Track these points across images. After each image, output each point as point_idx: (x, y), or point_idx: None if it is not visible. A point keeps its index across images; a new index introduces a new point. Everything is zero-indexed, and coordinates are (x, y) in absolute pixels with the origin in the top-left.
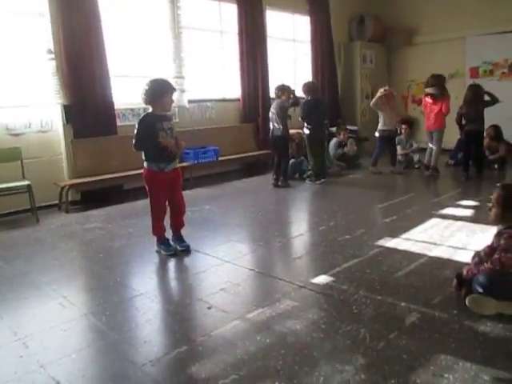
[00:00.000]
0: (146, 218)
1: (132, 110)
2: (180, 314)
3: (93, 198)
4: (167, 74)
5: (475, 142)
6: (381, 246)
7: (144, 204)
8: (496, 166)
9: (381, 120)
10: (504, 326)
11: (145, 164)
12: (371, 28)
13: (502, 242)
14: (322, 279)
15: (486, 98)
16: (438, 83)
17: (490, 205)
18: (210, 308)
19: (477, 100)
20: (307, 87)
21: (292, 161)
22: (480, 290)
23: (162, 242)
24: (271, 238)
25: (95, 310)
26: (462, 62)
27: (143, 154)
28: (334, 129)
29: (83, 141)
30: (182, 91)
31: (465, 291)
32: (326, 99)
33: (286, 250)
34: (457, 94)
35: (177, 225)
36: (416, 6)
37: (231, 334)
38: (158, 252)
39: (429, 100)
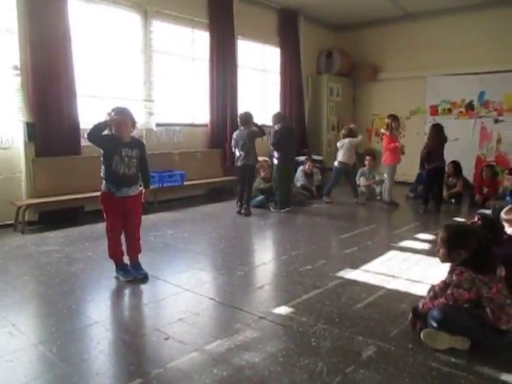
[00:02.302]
0: (106, 241)
1: None
2: (136, 344)
3: (51, 219)
4: (137, 96)
5: (439, 177)
6: (341, 278)
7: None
8: (453, 201)
9: (340, 153)
10: (456, 361)
11: (102, 183)
12: (339, 62)
13: (454, 278)
14: (283, 310)
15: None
16: (388, 123)
17: (438, 245)
18: (167, 339)
19: (441, 138)
20: (278, 115)
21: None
22: (434, 324)
23: (121, 267)
24: (233, 266)
25: (46, 339)
26: (422, 99)
27: (101, 171)
28: (301, 158)
29: (45, 159)
30: (151, 114)
31: (420, 325)
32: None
33: (247, 279)
34: (418, 129)
35: (132, 251)
36: (381, 44)
37: (188, 367)
38: (116, 278)
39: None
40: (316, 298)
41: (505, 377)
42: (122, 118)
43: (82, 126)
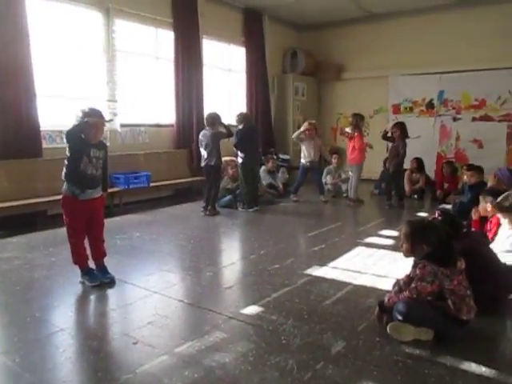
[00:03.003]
0: (69, 247)
1: (60, 131)
2: (104, 350)
3: (12, 224)
4: (100, 96)
5: (399, 174)
6: (309, 275)
7: None
8: (416, 197)
9: (302, 152)
10: (420, 352)
11: (63, 186)
12: (303, 62)
13: (418, 271)
14: (252, 310)
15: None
16: (352, 122)
17: (401, 241)
18: (135, 343)
19: (403, 136)
20: (240, 116)
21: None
22: (399, 317)
23: (86, 272)
24: (202, 267)
25: (8, 348)
26: (385, 98)
27: (63, 174)
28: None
29: (4, 162)
30: (115, 115)
31: (386, 319)
32: (260, 129)
33: (216, 279)
34: (381, 128)
35: (97, 255)
36: (344, 44)
37: (158, 370)
38: (81, 283)
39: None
40: (285, 296)
41: (466, 365)
42: (101, 122)
43: (42, 128)
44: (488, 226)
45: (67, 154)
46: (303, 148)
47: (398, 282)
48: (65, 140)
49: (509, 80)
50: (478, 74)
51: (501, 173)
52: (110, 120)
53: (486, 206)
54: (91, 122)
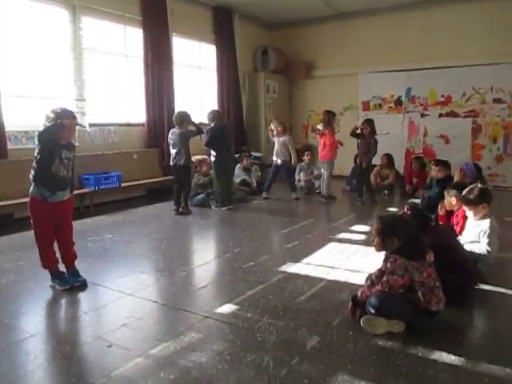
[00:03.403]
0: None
1: (26, 132)
2: (77, 355)
3: None
4: (67, 95)
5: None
6: (284, 272)
7: None
8: (386, 192)
9: (275, 150)
10: (393, 344)
11: (30, 190)
12: (274, 60)
13: (389, 265)
14: (227, 308)
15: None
16: (323, 119)
17: (373, 236)
18: (110, 346)
19: (373, 133)
20: (212, 114)
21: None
22: (372, 311)
23: (57, 275)
24: (176, 267)
25: None
26: (355, 96)
27: (31, 176)
28: (237, 155)
29: None
30: (83, 114)
31: (359, 313)
32: (232, 127)
33: (190, 279)
34: (351, 125)
35: (68, 258)
36: (315, 42)
37: (133, 373)
38: (52, 287)
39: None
40: (260, 293)
41: (436, 355)
42: (74, 123)
43: (7, 129)
44: (454, 220)
45: (36, 155)
46: (275, 146)
47: (370, 276)
48: (36, 141)
49: (473, 77)
50: (443, 71)
51: (466, 167)
52: (83, 126)
53: (450, 200)
54: (67, 123)
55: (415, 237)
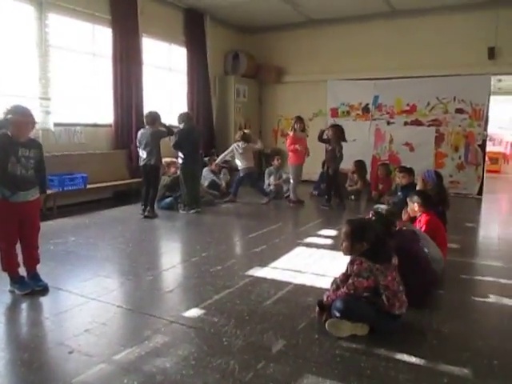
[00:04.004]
0: None
1: None
2: (37, 361)
3: None
4: (31, 94)
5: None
6: (251, 276)
7: None
8: (353, 197)
9: (243, 158)
10: (357, 346)
11: None
12: (245, 64)
13: (355, 268)
14: (194, 312)
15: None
16: (292, 124)
17: (341, 239)
18: (71, 352)
19: (338, 139)
20: (181, 116)
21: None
22: (337, 314)
23: (17, 280)
24: (141, 271)
25: None
26: (324, 102)
27: None
28: (207, 158)
29: None
30: (48, 113)
31: (326, 316)
32: (201, 129)
33: (156, 283)
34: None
35: (30, 262)
36: (285, 48)
37: (95, 380)
38: (11, 292)
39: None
40: (227, 297)
41: (398, 356)
42: (23, 120)
43: None
44: (417, 225)
45: None
46: (236, 159)
47: (335, 280)
48: None
49: (437, 87)
50: (409, 80)
51: (427, 174)
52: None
53: (413, 206)
54: (14, 119)
55: (381, 241)
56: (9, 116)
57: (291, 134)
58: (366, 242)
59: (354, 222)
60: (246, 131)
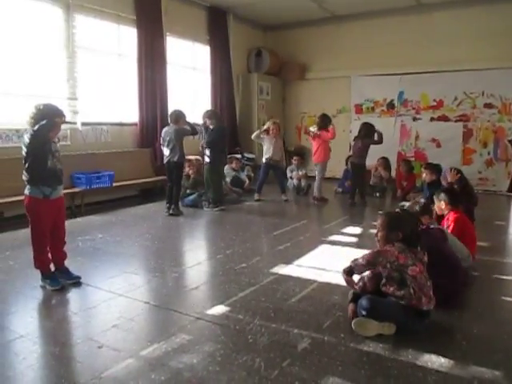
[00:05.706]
0: (29, 248)
1: (17, 130)
2: (67, 356)
3: None
4: (59, 94)
5: (356, 173)
6: (275, 274)
7: (28, 233)
8: (378, 195)
9: (264, 149)
10: (383, 346)
11: (26, 191)
12: (268, 61)
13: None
14: (219, 309)
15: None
16: (318, 122)
17: (376, 230)
18: (100, 347)
19: (363, 137)
20: (214, 114)
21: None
22: (363, 312)
23: (48, 275)
24: (167, 268)
25: None
26: (348, 98)
27: (27, 177)
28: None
29: None
30: (75, 113)
31: (351, 314)
32: (226, 127)
33: (182, 280)
34: (344, 127)
35: (61, 256)
36: (308, 44)
37: (123, 374)
38: (42, 287)
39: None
40: (252, 295)
41: (426, 357)
42: (62, 121)
43: None
44: (445, 224)
45: (26, 155)
46: (265, 146)
47: (362, 278)
48: (27, 140)
49: (464, 82)
50: (435, 75)
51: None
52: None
53: (440, 204)
54: (60, 122)
55: (416, 234)
56: (56, 119)
57: (321, 132)
58: (401, 231)
59: (390, 213)
60: (276, 121)
